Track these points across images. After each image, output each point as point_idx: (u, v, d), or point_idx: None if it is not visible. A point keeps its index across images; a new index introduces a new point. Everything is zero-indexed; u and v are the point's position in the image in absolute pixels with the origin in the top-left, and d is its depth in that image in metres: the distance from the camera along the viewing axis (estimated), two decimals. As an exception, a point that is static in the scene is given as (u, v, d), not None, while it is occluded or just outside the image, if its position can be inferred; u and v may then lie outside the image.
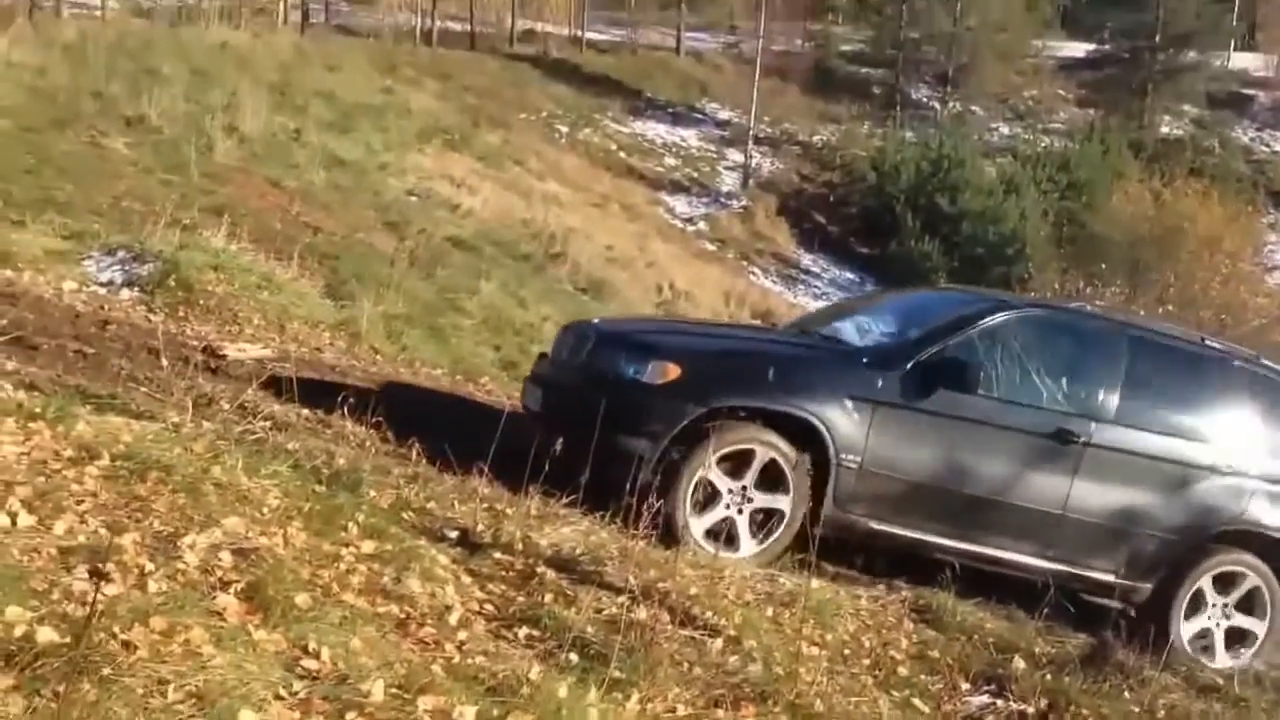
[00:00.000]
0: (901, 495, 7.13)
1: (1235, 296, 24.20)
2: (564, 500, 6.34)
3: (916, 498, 7.18)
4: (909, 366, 7.11)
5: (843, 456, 6.91)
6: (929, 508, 7.23)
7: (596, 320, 8.33)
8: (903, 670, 5.88)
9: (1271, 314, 24.76)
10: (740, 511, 6.82)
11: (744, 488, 6.80)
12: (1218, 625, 7.80)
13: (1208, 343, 8.43)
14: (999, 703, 5.76)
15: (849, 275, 25.79)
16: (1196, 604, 7.74)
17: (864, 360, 7.26)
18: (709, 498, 6.76)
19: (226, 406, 6.45)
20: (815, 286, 24.76)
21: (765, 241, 25.63)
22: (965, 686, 5.91)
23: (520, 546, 5.57)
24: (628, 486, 5.95)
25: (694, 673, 4.74)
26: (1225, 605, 7.81)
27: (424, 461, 6.71)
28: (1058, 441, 7.35)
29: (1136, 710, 5.91)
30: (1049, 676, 6.12)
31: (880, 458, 7.01)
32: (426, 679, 3.62)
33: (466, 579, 5.02)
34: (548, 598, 5.01)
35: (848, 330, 8.02)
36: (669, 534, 6.40)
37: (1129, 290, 23.23)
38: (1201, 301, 23.51)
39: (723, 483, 6.77)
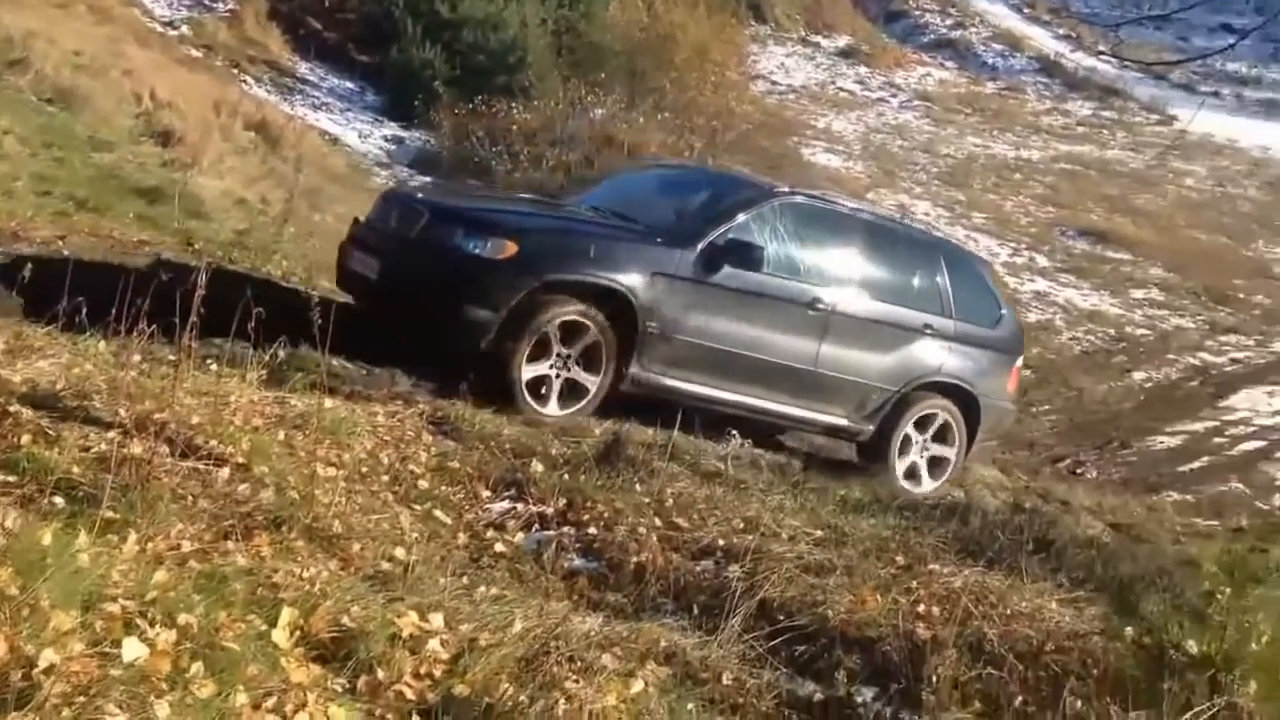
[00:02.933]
0: (693, 356, 8.29)
1: (724, 104, 25.39)
2: (42, 331, 5.77)
3: (705, 358, 8.34)
4: (701, 247, 8.23)
5: (647, 324, 8.00)
6: (714, 367, 8.40)
7: (420, 195, 9.24)
8: (423, 483, 5.82)
9: (755, 119, 26.27)
10: (558, 376, 7.84)
11: (568, 356, 7.84)
12: (921, 457, 9.51)
13: (916, 226, 10.61)
14: (519, 506, 5.83)
15: (349, 85, 24.91)
16: (906, 443, 9.38)
17: (661, 240, 8.28)
18: (537, 353, 7.73)
19: None
20: (314, 96, 23.75)
21: (257, 48, 24.17)
22: (486, 494, 5.94)
23: (-12, 385, 5.01)
24: (114, 313, 5.52)
25: (199, 505, 4.45)
26: (925, 440, 9.50)
27: None
28: (811, 309, 8.70)
29: (647, 500, 6.16)
30: (566, 476, 6.27)
31: (677, 325, 8.16)
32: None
33: (-80, 424, 4.47)
34: (24, 439, 4.51)
35: (634, 208, 8.93)
36: (500, 381, 7.51)
37: (628, 98, 23.88)
38: (695, 108, 24.56)
39: (556, 344, 7.76)
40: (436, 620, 4.00)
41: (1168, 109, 35.68)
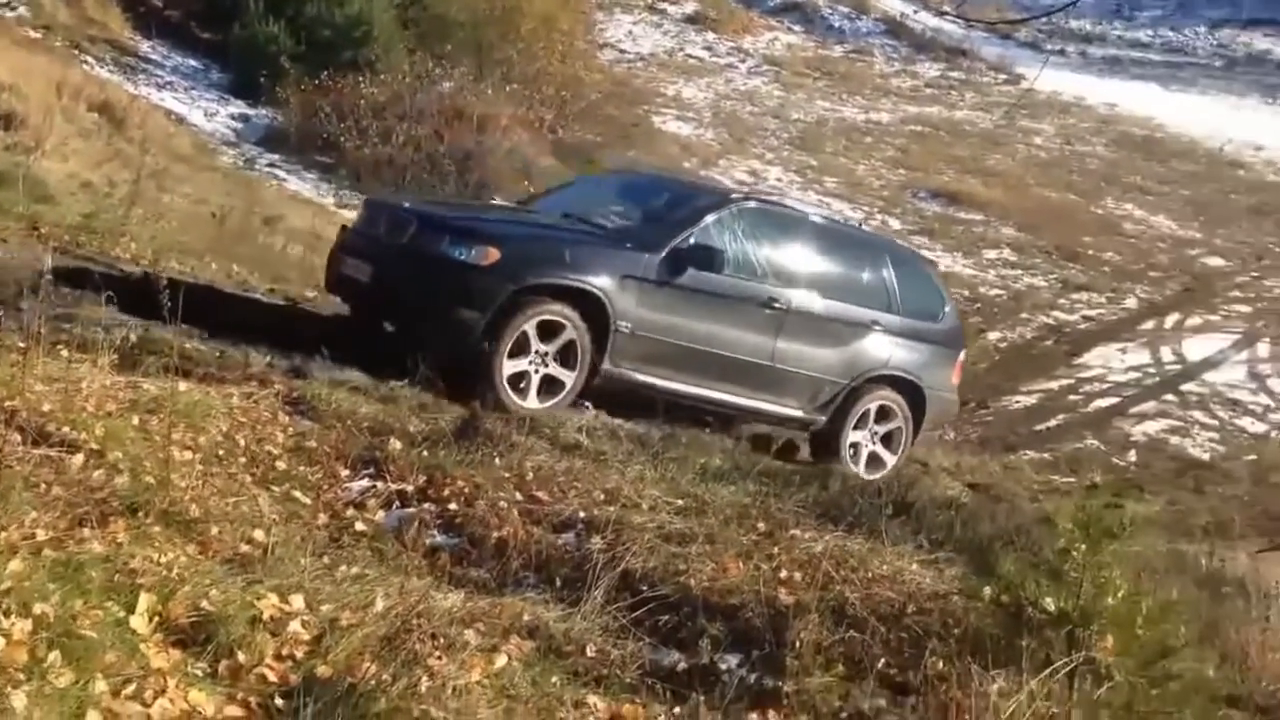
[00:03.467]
0: (660, 353, 8.77)
1: (573, 74, 25.43)
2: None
3: (671, 355, 8.83)
4: (666, 251, 8.70)
5: (618, 323, 8.47)
6: (680, 363, 8.90)
7: (406, 204, 9.47)
8: (281, 464, 5.77)
9: (605, 88, 26.32)
10: (537, 371, 8.27)
11: (546, 353, 8.27)
12: (867, 445, 9.98)
13: (863, 228, 11.57)
14: (378, 484, 5.81)
15: (193, 63, 24.33)
16: (861, 423, 9.85)
17: (630, 245, 8.75)
18: (517, 350, 8.13)
19: None
20: (158, 75, 23.14)
21: (97, 28, 23.46)
22: (345, 473, 5.90)
23: None
24: None
25: (53, 493, 4.39)
26: (876, 433, 9.96)
27: None
28: (767, 308, 9.20)
29: (507, 474, 6.18)
30: (425, 453, 6.25)
31: (645, 323, 8.62)
32: None
33: None
34: None
35: (602, 214, 9.32)
36: (484, 378, 7.91)
37: (476, 70, 23.70)
38: (543, 79, 24.50)
39: (535, 342, 8.19)
40: (297, 601, 4.01)
41: (1015, 68, 36.48)
